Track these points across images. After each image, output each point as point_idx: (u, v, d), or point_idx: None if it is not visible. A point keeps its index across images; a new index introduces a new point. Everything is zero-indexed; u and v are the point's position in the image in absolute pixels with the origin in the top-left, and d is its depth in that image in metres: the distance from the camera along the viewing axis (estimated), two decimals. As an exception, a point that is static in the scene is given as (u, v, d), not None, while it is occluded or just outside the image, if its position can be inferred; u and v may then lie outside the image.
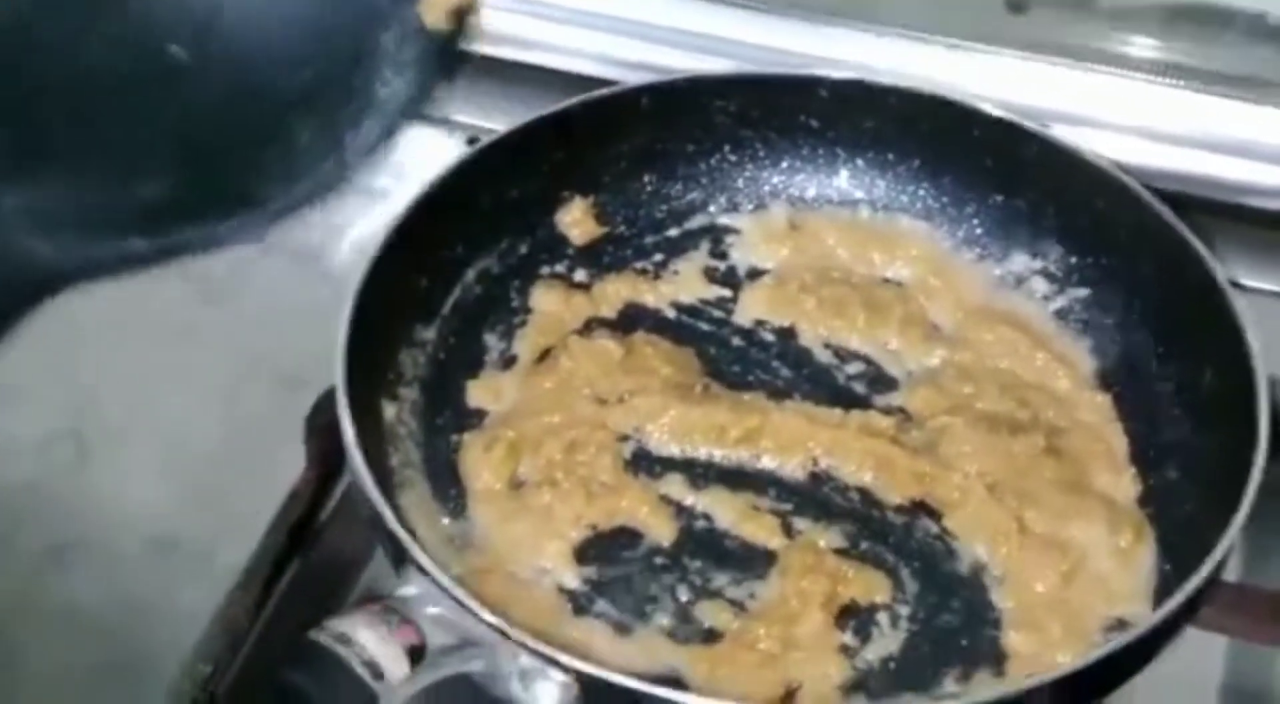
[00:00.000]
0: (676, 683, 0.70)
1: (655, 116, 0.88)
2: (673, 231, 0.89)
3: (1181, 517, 0.75)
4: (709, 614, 0.73)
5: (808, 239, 0.89)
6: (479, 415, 0.80)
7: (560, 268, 0.87)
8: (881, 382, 0.83)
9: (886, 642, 0.72)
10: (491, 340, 0.84)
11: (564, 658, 0.64)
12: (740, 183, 0.90)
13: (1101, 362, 0.83)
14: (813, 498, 0.77)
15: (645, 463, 0.78)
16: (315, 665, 0.61)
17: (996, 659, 0.72)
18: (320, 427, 0.79)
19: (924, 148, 0.88)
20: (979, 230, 0.88)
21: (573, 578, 0.74)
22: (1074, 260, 0.86)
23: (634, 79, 0.90)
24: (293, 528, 0.77)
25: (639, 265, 0.88)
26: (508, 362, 0.83)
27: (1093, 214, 0.85)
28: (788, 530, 0.76)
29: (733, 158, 0.90)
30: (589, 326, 0.84)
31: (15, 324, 0.84)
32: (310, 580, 0.78)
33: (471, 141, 0.87)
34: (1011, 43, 0.92)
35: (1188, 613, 0.69)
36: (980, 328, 0.84)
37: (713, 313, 0.86)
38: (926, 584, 0.74)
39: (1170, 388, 0.80)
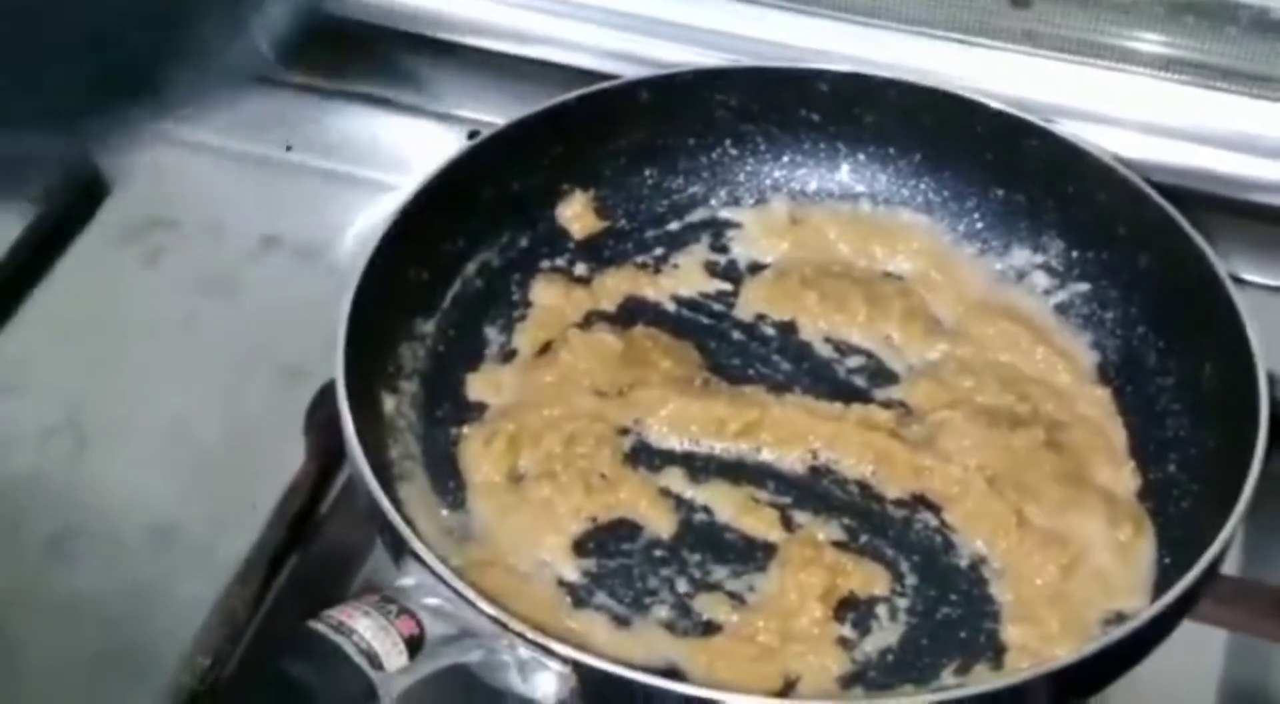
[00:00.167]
0: (675, 675, 0.70)
1: (656, 110, 0.88)
2: (673, 225, 0.89)
3: (1181, 511, 0.75)
4: (708, 607, 0.73)
5: (809, 233, 0.89)
6: (479, 408, 0.80)
7: (560, 261, 0.87)
8: (882, 375, 0.83)
9: (885, 634, 0.72)
10: (491, 333, 0.84)
11: (562, 649, 0.64)
12: (741, 177, 0.90)
13: (1102, 356, 0.83)
14: (812, 491, 0.77)
15: (645, 456, 0.78)
16: (314, 655, 0.60)
17: (995, 652, 0.72)
18: (320, 419, 0.79)
19: (925, 142, 0.88)
20: (980, 224, 0.88)
21: (572, 570, 0.74)
22: (1075, 255, 0.86)
23: (634, 73, 0.90)
24: (292, 520, 0.78)
25: (639, 259, 0.88)
26: (508, 355, 0.83)
27: (1094, 209, 0.85)
28: (787, 523, 0.76)
29: (733, 152, 0.90)
30: (589, 320, 0.84)
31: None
32: (310, 573, 0.78)
33: (472, 135, 0.87)
34: (1014, 37, 0.92)
35: (1186, 606, 0.69)
36: (981, 322, 0.84)
37: (713, 307, 0.86)
38: (926, 577, 0.74)
39: (1170, 382, 0.80)
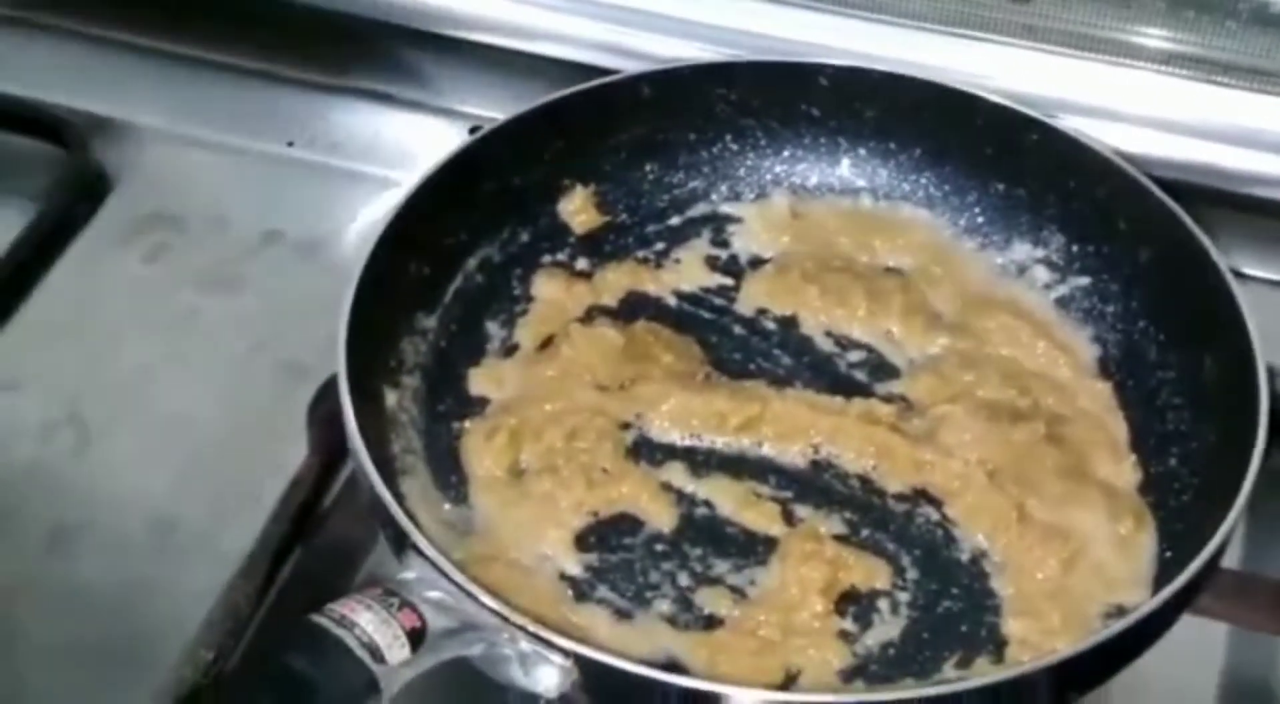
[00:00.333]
0: (677, 668, 0.70)
1: (656, 105, 0.88)
2: (674, 220, 0.89)
3: (1181, 505, 0.76)
4: (709, 601, 0.73)
5: (809, 227, 0.89)
6: (481, 403, 0.81)
7: (562, 256, 0.87)
8: (883, 370, 0.83)
9: (887, 628, 0.72)
10: (493, 328, 0.84)
11: (564, 642, 0.64)
12: (742, 171, 0.90)
13: (1102, 350, 0.83)
14: (813, 485, 0.77)
15: (646, 450, 0.79)
16: (315, 648, 0.60)
17: (996, 646, 0.72)
18: (323, 414, 0.79)
19: (926, 136, 0.88)
20: (980, 219, 0.88)
21: (574, 564, 0.74)
22: (1076, 249, 0.86)
23: (635, 68, 0.90)
24: (295, 514, 0.78)
25: (641, 254, 0.88)
26: (509, 349, 0.83)
27: (1094, 203, 0.85)
28: (788, 518, 0.76)
29: (734, 146, 0.90)
30: (590, 315, 0.85)
31: None
32: (313, 567, 0.78)
33: (473, 130, 0.87)
34: (1014, 31, 0.92)
35: (1186, 600, 0.69)
36: (982, 316, 0.84)
37: (714, 301, 0.86)
38: (927, 571, 0.74)
39: (1171, 377, 0.80)
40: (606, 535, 0.75)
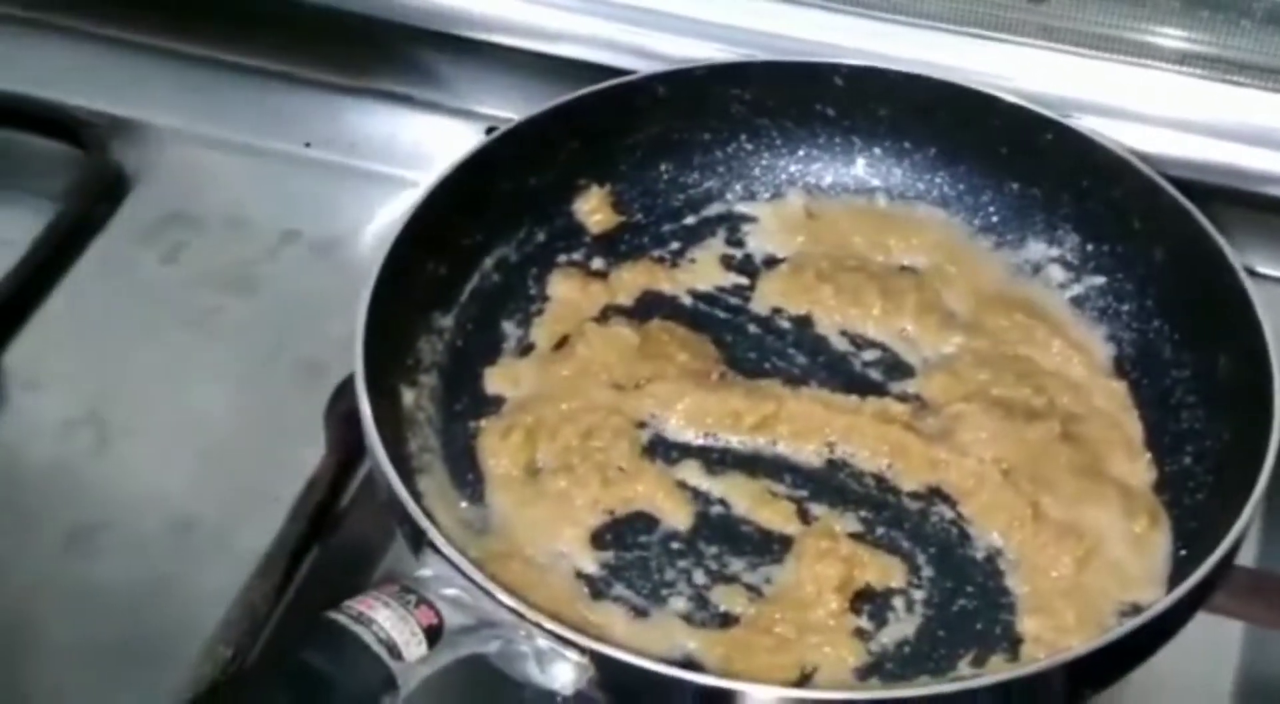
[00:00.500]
0: (693, 666, 0.70)
1: (671, 105, 0.88)
2: (689, 219, 0.89)
3: (1196, 503, 0.75)
4: (725, 599, 0.73)
5: (824, 227, 0.89)
6: (497, 402, 0.81)
7: (578, 256, 0.87)
8: (898, 368, 0.83)
9: (902, 626, 0.72)
10: (509, 328, 0.84)
11: (580, 639, 0.64)
12: (757, 171, 0.90)
13: (1118, 349, 0.83)
14: (828, 484, 0.78)
15: (662, 449, 0.79)
16: (333, 644, 0.61)
17: (1011, 643, 0.72)
18: (340, 413, 0.80)
19: (940, 136, 0.89)
20: (995, 218, 0.88)
21: (589, 562, 0.74)
22: (1090, 248, 0.86)
23: (650, 68, 0.90)
24: (313, 513, 0.78)
25: (656, 253, 0.88)
26: (525, 349, 0.83)
27: (1109, 202, 0.85)
28: (804, 516, 0.76)
29: (749, 146, 0.90)
30: (606, 314, 0.85)
31: None
32: (330, 566, 0.79)
33: (489, 131, 0.87)
34: (1030, 31, 0.92)
35: (1201, 597, 0.69)
36: (996, 315, 0.84)
37: (729, 300, 0.86)
38: (942, 569, 0.75)
39: (1186, 375, 0.80)
40: (622, 534, 0.76)
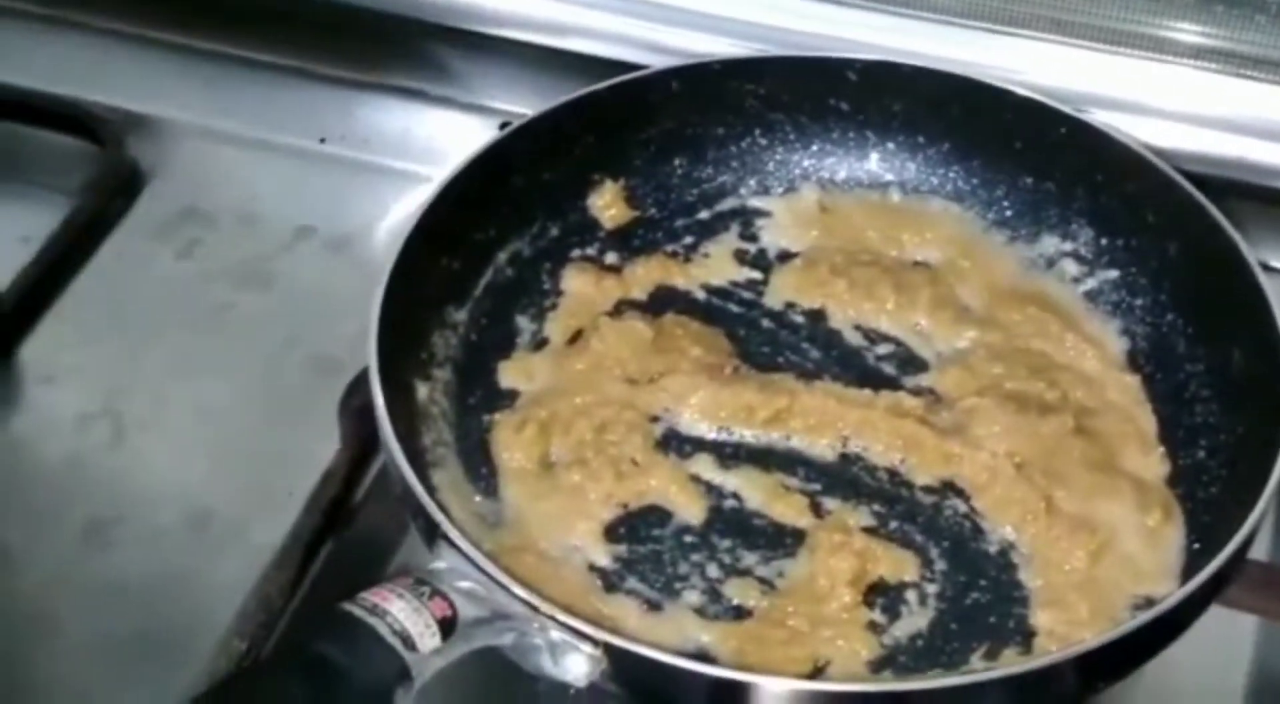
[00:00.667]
0: (706, 659, 0.70)
1: (685, 100, 0.88)
2: (703, 214, 0.89)
3: (1210, 496, 0.75)
4: (738, 592, 0.73)
5: (838, 221, 0.89)
6: (511, 396, 0.81)
7: (591, 250, 0.88)
8: (911, 363, 0.83)
9: (915, 619, 0.73)
10: (523, 322, 0.84)
11: (594, 631, 0.64)
12: (770, 166, 0.90)
13: (1131, 343, 0.83)
14: (842, 478, 0.78)
15: (675, 443, 0.79)
16: (347, 636, 0.61)
17: (1024, 637, 0.72)
18: (354, 407, 0.80)
19: (954, 130, 0.89)
20: (1009, 212, 0.88)
21: (603, 556, 0.75)
22: (1104, 243, 0.86)
23: (664, 63, 0.90)
24: (328, 507, 0.79)
25: (669, 248, 0.88)
26: (539, 343, 0.84)
27: (1123, 196, 0.85)
28: (817, 510, 0.76)
29: (763, 141, 0.90)
30: (620, 308, 0.85)
31: None
32: (345, 559, 0.79)
33: (503, 126, 0.88)
34: (1043, 26, 0.92)
35: (1214, 591, 0.69)
36: (1010, 309, 0.84)
37: (743, 295, 0.86)
38: (955, 563, 0.75)
39: (1199, 369, 0.80)
40: (636, 527, 0.76)
